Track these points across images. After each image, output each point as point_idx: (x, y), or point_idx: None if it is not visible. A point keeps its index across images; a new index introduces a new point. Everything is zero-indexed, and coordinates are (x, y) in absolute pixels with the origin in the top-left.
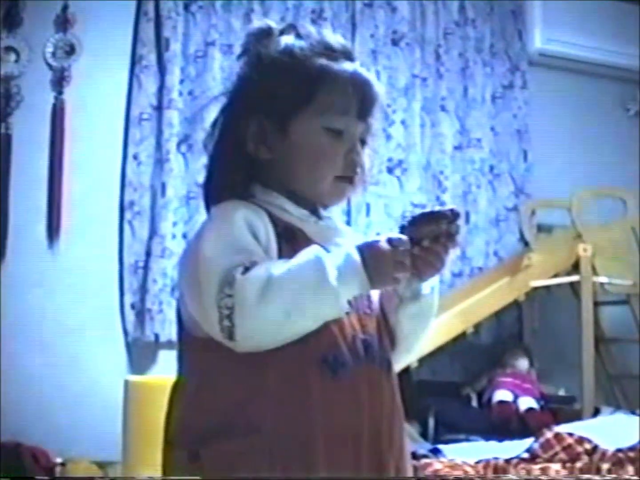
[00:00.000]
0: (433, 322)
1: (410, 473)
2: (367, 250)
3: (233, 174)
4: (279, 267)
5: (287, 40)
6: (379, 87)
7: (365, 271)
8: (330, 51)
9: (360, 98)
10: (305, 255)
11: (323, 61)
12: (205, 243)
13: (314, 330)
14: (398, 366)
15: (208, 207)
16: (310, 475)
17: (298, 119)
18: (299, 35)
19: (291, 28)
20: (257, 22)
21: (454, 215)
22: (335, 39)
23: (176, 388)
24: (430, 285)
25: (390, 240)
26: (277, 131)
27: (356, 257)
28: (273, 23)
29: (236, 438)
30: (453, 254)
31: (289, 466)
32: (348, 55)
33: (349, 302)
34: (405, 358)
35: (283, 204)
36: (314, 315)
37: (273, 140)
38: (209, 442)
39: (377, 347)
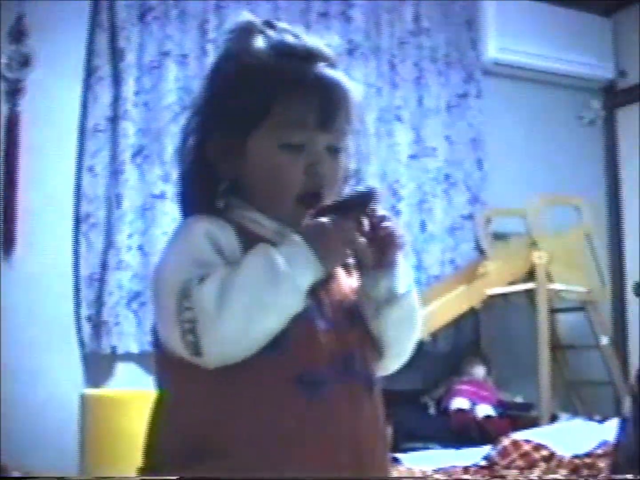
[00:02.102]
0: (419, 326)
1: None
2: (309, 230)
3: (201, 189)
4: (231, 270)
5: (246, 52)
6: (349, 87)
7: (311, 249)
8: (292, 56)
9: (322, 106)
10: (254, 252)
11: (282, 69)
12: (163, 260)
13: (289, 349)
14: (388, 371)
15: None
16: None
17: (255, 136)
18: (263, 40)
19: (257, 32)
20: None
21: (371, 196)
22: (300, 41)
23: (155, 408)
24: (406, 284)
25: (333, 221)
26: (236, 149)
27: (298, 238)
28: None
29: (208, 461)
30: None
31: None
32: (314, 58)
33: (326, 317)
34: (396, 362)
35: (256, 217)
36: (276, 308)
37: (234, 159)
38: (182, 465)
39: (359, 364)
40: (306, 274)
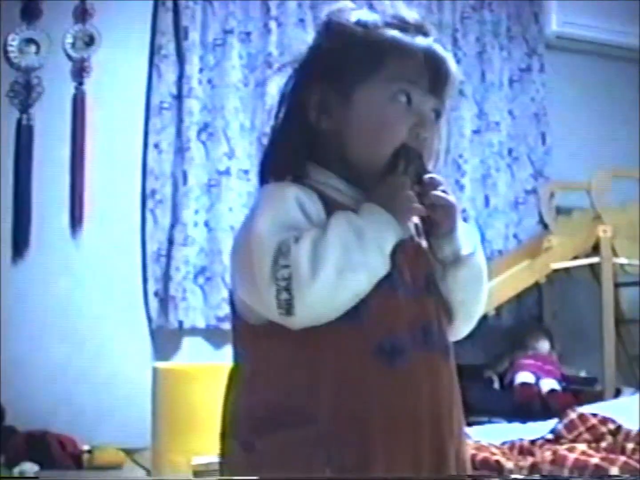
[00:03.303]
0: (486, 287)
1: (468, 459)
2: (375, 193)
3: (290, 150)
4: (321, 233)
5: (360, 13)
6: (454, 67)
7: (389, 212)
8: (403, 24)
9: (433, 72)
10: (336, 217)
11: (395, 33)
12: (256, 222)
13: (370, 316)
14: (460, 335)
15: (262, 184)
16: (368, 466)
17: (364, 87)
18: (372, 10)
19: (365, 5)
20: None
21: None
22: (410, 13)
23: (232, 377)
24: (470, 246)
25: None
26: (341, 100)
27: (370, 203)
28: (350, 3)
29: (291, 428)
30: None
31: (345, 457)
32: (423, 31)
33: (405, 285)
34: (466, 326)
35: (337, 184)
36: (364, 269)
37: (336, 110)
38: (263, 432)
39: (437, 331)
40: (387, 236)
